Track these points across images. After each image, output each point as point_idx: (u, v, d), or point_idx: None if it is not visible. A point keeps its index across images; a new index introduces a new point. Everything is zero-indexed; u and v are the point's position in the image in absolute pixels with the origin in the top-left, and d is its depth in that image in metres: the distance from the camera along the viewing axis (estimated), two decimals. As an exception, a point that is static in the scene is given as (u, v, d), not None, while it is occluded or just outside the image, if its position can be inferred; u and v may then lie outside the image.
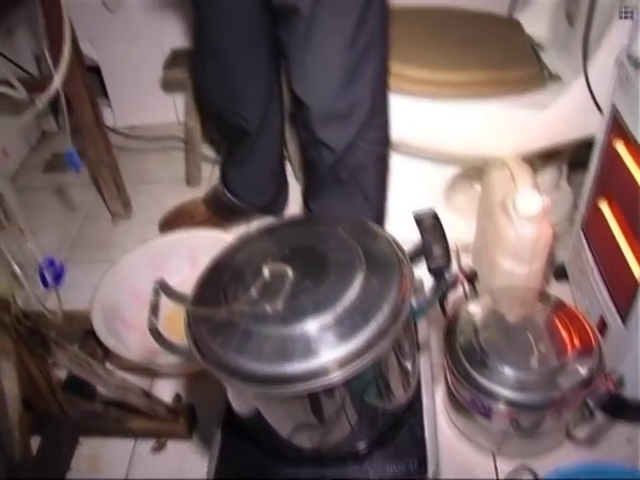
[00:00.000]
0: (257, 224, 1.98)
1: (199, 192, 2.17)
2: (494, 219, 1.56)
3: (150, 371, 1.61)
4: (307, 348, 0.91)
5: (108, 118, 2.61)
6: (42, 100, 1.07)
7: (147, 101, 2.58)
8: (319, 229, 1.09)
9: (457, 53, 1.69)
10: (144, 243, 1.82)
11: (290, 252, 1.03)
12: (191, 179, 2.27)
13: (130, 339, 1.64)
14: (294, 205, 2.07)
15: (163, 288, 1.05)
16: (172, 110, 2.59)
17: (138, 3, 2.37)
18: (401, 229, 1.78)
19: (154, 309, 1.01)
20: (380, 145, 1.61)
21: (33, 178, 2.44)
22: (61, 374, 1.53)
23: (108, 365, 1.66)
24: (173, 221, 2.05)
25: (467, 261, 1.81)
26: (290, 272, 0.96)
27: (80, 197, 2.31)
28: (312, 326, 0.92)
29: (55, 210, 2.28)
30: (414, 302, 0.99)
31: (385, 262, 1.01)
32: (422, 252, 1.02)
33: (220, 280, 1.05)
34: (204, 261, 1.74)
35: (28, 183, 2.41)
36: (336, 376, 0.90)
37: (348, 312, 0.93)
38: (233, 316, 0.96)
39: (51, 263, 1.10)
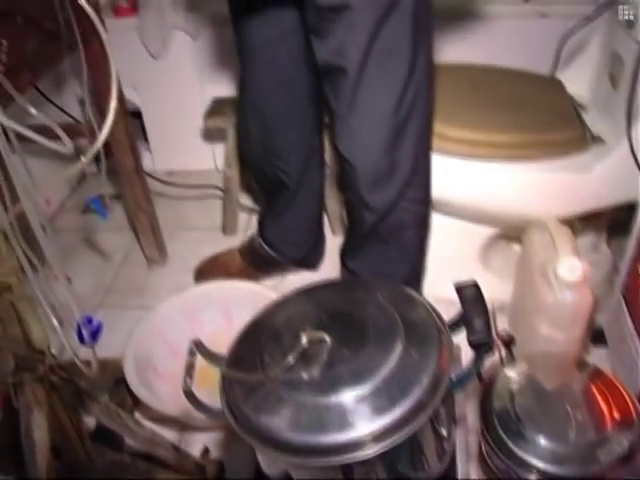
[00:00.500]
0: (292, 278, 2.01)
1: (235, 241, 2.18)
2: (533, 283, 1.54)
3: (180, 422, 1.60)
4: (342, 419, 0.89)
5: (147, 162, 2.63)
6: (87, 156, 1.07)
7: (187, 147, 2.60)
8: (358, 295, 1.08)
9: (499, 113, 1.68)
10: (178, 293, 1.82)
11: (328, 318, 1.02)
12: (227, 228, 2.28)
13: (161, 389, 1.63)
14: (329, 259, 2.06)
15: (199, 348, 1.04)
16: (211, 157, 2.61)
17: (182, 50, 2.40)
18: (437, 287, 1.78)
19: (189, 370, 1.01)
20: (421, 204, 1.61)
21: (71, 219, 2.46)
22: (90, 421, 1.52)
23: (137, 414, 1.65)
24: (208, 270, 2.05)
25: (502, 321, 1.79)
26: (328, 340, 0.95)
27: (117, 240, 2.32)
28: (348, 397, 0.90)
29: (92, 252, 2.30)
30: (453, 374, 0.97)
31: (424, 332, 0.99)
32: (462, 323, 1.00)
33: (257, 342, 1.04)
34: (237, 313, 1.75)
35: (66, 224, 2.42)
36: (371, 450, 0.88)
37: (386, 384, 0.91)
38: (268, 381, 0.95)
39: (89, 320, 1.10)
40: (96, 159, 2.44)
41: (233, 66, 1.69)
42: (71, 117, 2.31)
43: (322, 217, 2.02)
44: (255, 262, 2.01)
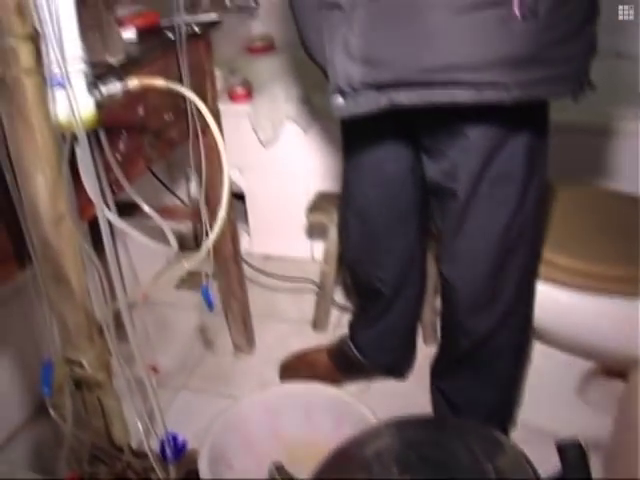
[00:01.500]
0: (378, 385, 1.96)
1: (324, 338, 2.15)
2: (638, 430, 1.44)
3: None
4: None
5: (245, 244, 2.65)
6: (191, 262, 1.07)
7: (286, 234, 2.62)
8: (450, 439, 1.02)
9: (613, 243, 1.60)
10: (262, 389, 1.80)
11: (418, 460, 0.97)
12: (318, 323, 2.25)
13: (234, 487, 1.59)
14: (419, 368, 1.99)
15: (279, 472, 1.01)
16: (309, 246, 2.61)
17: (291, 141, 2.43)
18: (531, 416, 1.70)
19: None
20: (521, 332, 1.55)
21: (165, 293, 2.48)
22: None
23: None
24: (294, 368, 2.02)
25: (596, 461, 1.67)
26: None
27: (207, 321, 2.31)
28: None
29: (181, 330, 2.30)
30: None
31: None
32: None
33: (343, 473, 1.00)
34: (320, 418, 1.71)
35: (159, 298, 2.45)
36: None
37: None
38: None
39: (174, 439, 1.08)
40: (195, 237, 2.48)
41: (340, 162, 1.70)
42: (175, 195, 2.35)
43: (416, 326, 1.96)
44: (342, 365, 1.96)
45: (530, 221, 1.41)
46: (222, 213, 1.04)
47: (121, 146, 1.35)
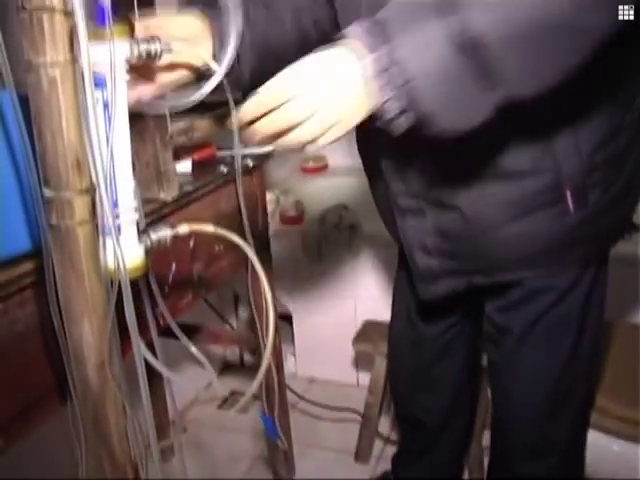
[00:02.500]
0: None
1: (366, 470, 2.10)
2: None
3: None
4: None
5: (290, 365, 2.62)
6: (241, 402, 1.06)
7: (332, 359, 2.59)
8: None
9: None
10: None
11: None
12: (360, 455, 2.19)
13: None
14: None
15: None
16: (355, 372, 2.58)
17: (340, 266, 2.44)
18: None
19: None
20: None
21: (206, 412, 2.45)
22: None
23: None
24: (332, 500, 1.96)
25: None
26: None
27: (247, 445, 2.27)
28: None
29: (220, 452, 2.26)
30: None
31: None
32: None
33: None
34: None
35: (199, 416, 2.42)
36: None
37: None
38: None
39: None
40: (241, 358, 2.46)
41: (389, 289, 1.70)
42: (224, 320, 2.36)
43: (463, 463, 1.90)
44: (384, 501, 1.90)
45: (586, 362, 1.38)
46: (267, 354, 1.03)
47: (170, 279, 1.36)
